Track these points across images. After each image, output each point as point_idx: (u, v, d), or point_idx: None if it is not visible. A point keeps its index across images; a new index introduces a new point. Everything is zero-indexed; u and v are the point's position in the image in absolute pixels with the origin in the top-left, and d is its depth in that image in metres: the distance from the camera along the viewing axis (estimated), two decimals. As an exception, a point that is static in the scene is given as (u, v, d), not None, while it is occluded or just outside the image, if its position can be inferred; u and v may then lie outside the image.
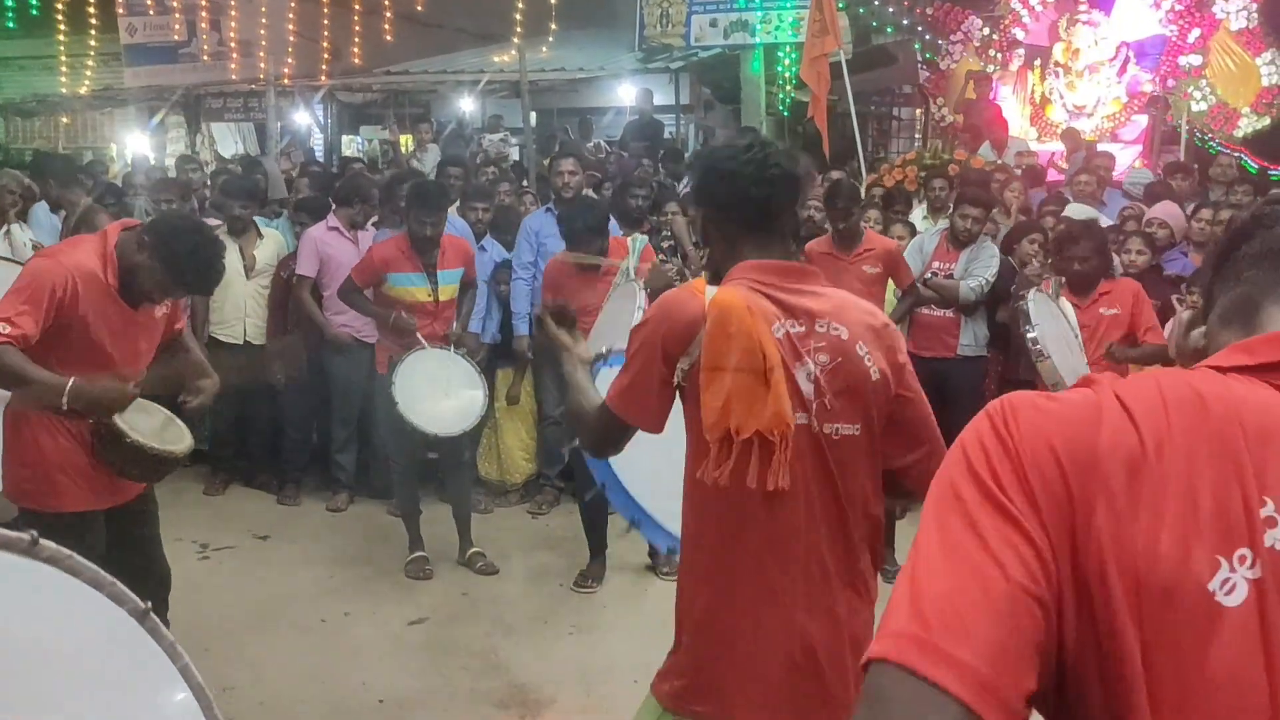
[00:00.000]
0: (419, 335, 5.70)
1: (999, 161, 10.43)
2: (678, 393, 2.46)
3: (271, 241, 7.19)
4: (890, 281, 6.29)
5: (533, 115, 11.65)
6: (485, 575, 5.90)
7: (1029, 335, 5.02)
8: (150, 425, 3.67)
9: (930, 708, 0.94)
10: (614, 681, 4.60)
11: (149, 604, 1.65)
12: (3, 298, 3.50)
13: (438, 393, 5.65)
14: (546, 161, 12.40)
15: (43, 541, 1.56)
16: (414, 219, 5.75)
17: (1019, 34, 13.51)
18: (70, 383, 3.46)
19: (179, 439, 3.73)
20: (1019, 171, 9.62)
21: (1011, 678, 0.96)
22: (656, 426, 2.48)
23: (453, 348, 5.83)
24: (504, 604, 5.56)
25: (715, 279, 2.52)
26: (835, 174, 8.32)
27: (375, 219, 7.09)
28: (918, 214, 8.53)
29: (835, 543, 2.41)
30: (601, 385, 2.73)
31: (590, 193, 7.61)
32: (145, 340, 3.83)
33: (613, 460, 2.87)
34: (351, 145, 16.96)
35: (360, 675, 4.70)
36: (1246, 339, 1.15)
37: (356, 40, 15.93)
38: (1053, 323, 5.20)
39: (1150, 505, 0.99)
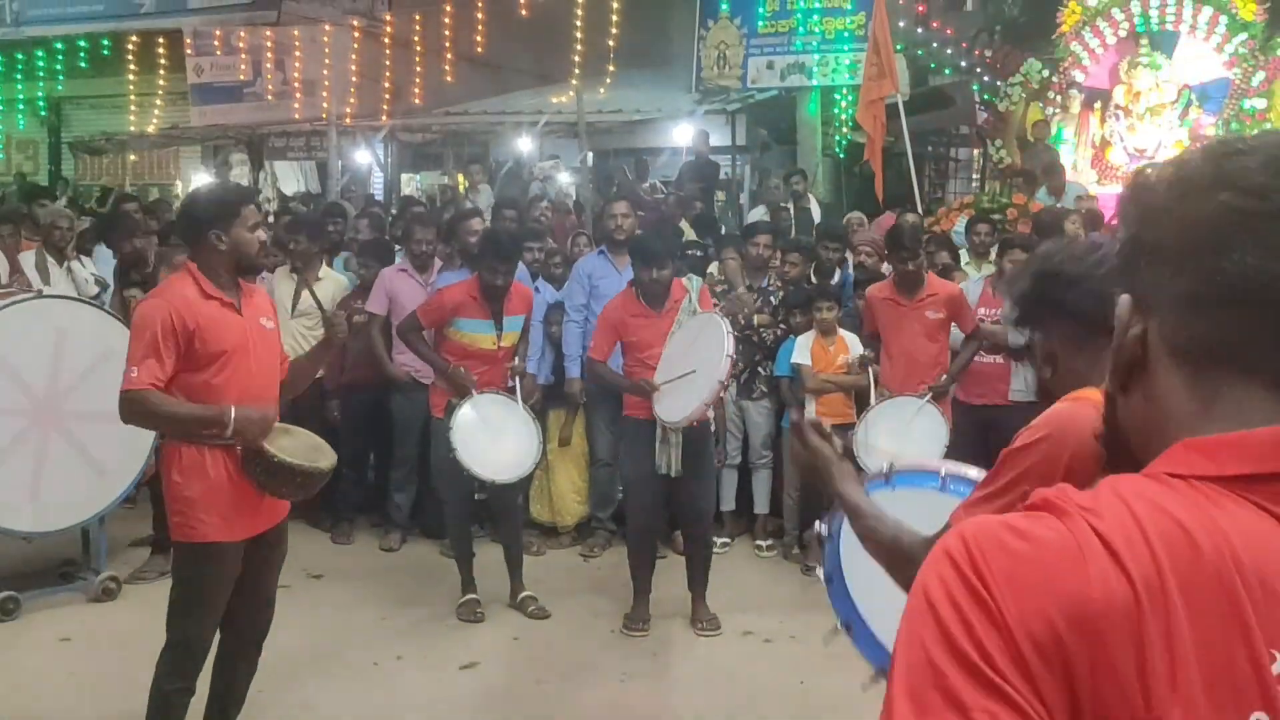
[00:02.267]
0: (472, 390, 5.72)
1: (1058, 205, 10.34)
2: None
3: (330, 283, 7.29)
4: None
5: (589, 155, 11.75)
6: (537, 619, 5.89)
7: None
8: (294, 445, 3.86)
9: None
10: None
11: None
12: (129, 348, 3.76)
13: (494, 438, 5.67)
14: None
15: None
16: (486, 268, 5.77)
17: (1078, 76, 13.41)
18: (233, 411, 3.71)
19: (322, 456, 3.95)
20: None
21: None
22: None
23: (517, 380, 5.85)
24: (555, 649, 5.55)
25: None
26: (910, 216, 8.33)
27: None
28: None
29: None
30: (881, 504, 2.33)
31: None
32: (266, 351, 3.99)
33: (844, 547, 2.59)
34: (411, 184, 17.16)
35: (413, 719, 4.70)
36: (1209, 434, 0.95)
37: (418, 81, 16.15)
38: None
39: (1155, 669, 0.86)
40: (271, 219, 9.89)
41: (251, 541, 3.96)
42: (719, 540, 6.96)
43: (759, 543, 7.07)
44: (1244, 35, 12.59)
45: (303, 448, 3.98)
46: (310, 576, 6.53)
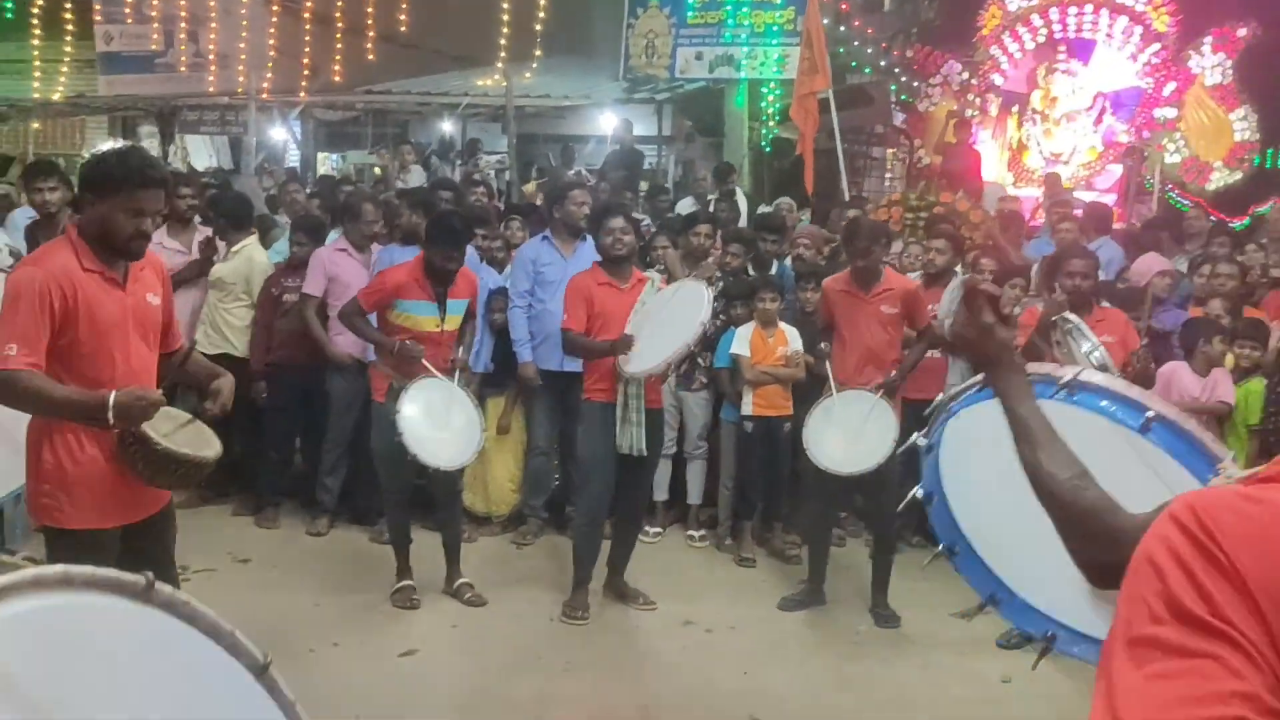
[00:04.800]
0: (425, 363, 5.63)
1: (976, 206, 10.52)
2: None
3: (243, 258, 7.12)
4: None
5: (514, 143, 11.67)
6: (473, 607, 5.82)
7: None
8: (176, 431, 3.59)
9: None
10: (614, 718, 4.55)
11: (269, 658, 1.58)
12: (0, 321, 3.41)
13: (438, 424, 5.58)
14: (529, 187, 12.41)
15: (159, 585, 1.47)
16: (436, 252, 5.67)
17: (997, 80, 13.68)
18: (113, 396, 3.36)
19: (208, 445, 3.65)
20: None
21: None
22: None
23: (456, 374, 5.77)
24: (495, 637, 5.49)
25: None
26: (853, 212, 8.40)
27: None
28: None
29: None
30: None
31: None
32: (150, 328, 3.71)
33: (962, 518, 2.35)
34: (326, 163, 16.85)
35: (354, 708, 4.60)
36: None
37: (338, 58, 15.85)
38: None
39: None
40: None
41: (134, 526, 3.68)
42: (651, 529, 6.96)
43: (691, 532, 7.07)
44: (1157, 45, 12.96)
45: (187, 435, 3.65)
46: (237, 560, 6.37)
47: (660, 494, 7.14)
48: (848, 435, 5.74)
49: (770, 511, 6.96)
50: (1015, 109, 13.67)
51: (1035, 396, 1.90)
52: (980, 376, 2.25)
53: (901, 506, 2.80)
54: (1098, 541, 1.59)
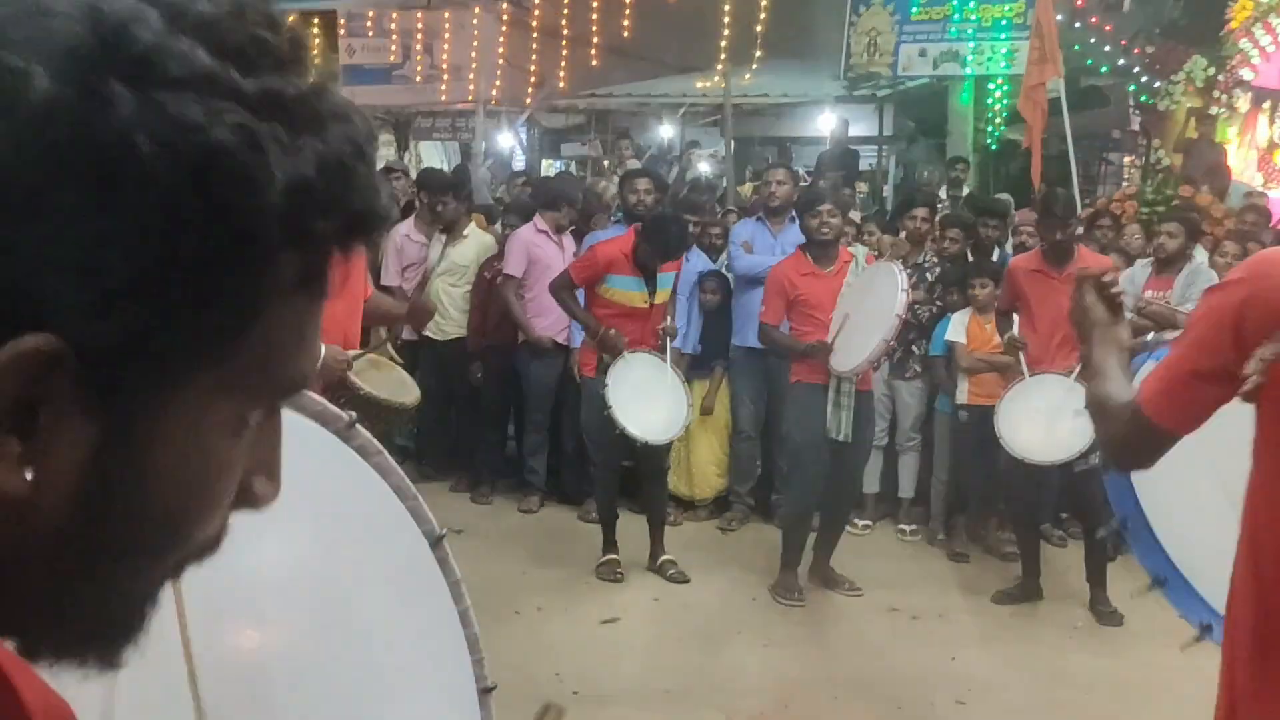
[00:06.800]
0: (623, 350, 5.67)
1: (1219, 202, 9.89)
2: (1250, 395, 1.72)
3: (473, 243, 7.32)
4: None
5: (732, 143, 11.65)
6: (677, 583, 5.81)
7: None
8: (381, 379, 3.77)
9: None
10: (813, 695, 4.47)
11: (445, 531, 1.58)
12: None
13: (646, 399, 5.61)
14: (745, 188, 12.39)
15: (359, 428, 1.48)
16: (645, 253, 5.68)
17: (1247, 74, 12.83)
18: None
19: (408, 392, 3.81)
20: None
21: None
22: (1189, 426, 1.84)
23: (668, 347, 5.79)
24: (696, 612, 5.47)
25: None
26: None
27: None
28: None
29: None
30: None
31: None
32: (350, 290, 3.87)
33: (1141, 491, 2.29)
34: (551, 169, 17.30)
35: (554, 667, 4.66)
36: None
37: (563, 66, 16.25)
38: None
39: None
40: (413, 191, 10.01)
41: None
42: (860, 523, 6.80)
43: (902, 526, 6.87)
44: None
45: (389, 382, 3.85)
46: (451, 531, 6.51)
47: (871, 486, 6.96)
48: (1045, 422, 5.43)
49: (986, 506, 6.68)
50: (1266, 105, 12.78)
51: (1128, 375, 2.00)
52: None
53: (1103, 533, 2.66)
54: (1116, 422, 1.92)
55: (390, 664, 1.46)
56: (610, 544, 5.94)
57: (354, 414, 1.49)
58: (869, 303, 5.38)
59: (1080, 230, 7.45)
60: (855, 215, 8.87)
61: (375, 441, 1.51)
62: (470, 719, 1.53)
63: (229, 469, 0.59)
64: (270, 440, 0.65)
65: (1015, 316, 5.84)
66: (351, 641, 1.41)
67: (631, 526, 6.12)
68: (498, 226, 7.91)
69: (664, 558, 5.95)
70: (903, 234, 7.27)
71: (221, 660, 1.23)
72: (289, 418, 1.34)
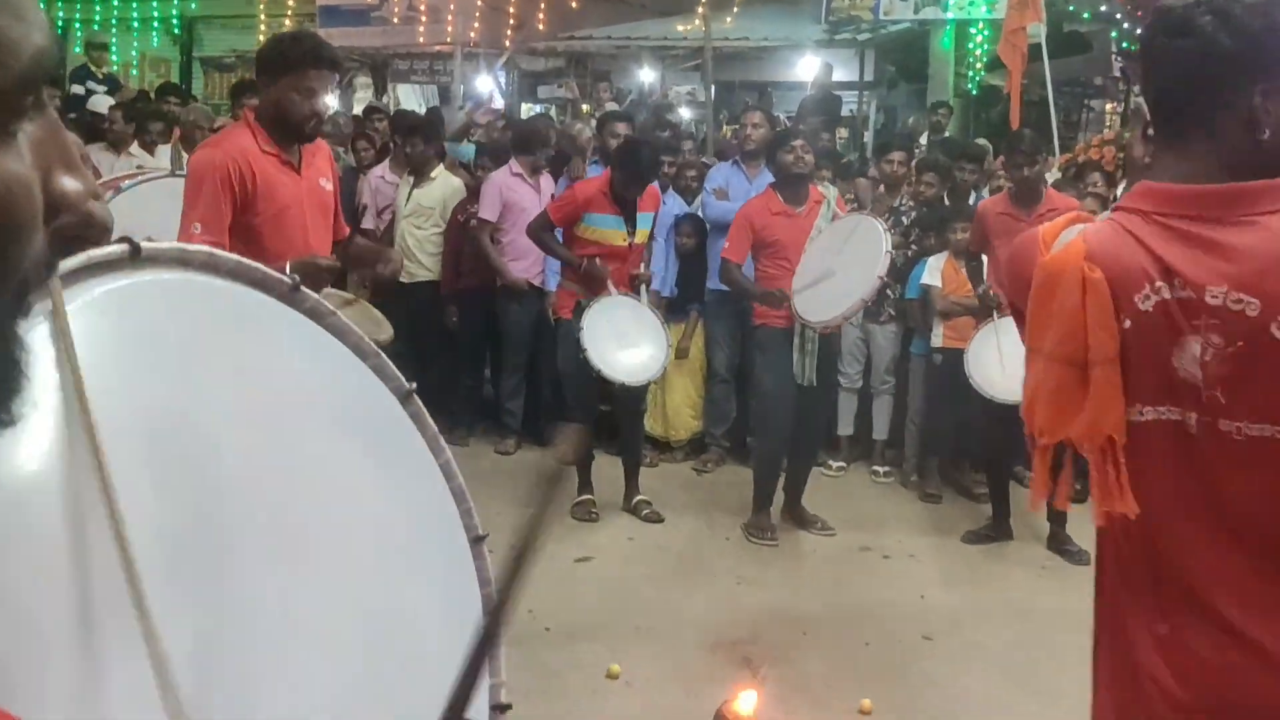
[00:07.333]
0: (609, 282, 5.66)
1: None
2: None
3: (440, 185, 7.27)
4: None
5: (712, 88, 11.56)
6: (651, 523, 5.86)
7: None
8: (355, 315, 3.69)
9: None
10: (784, 631, 4.53)
11: (414, 384, 1.54)
12: (185, 200, 3.57)
13: (623, 340, 5.62)
14: (725, 131, 12.32)
15: (305, 290, 1.39)
16: (620, 181, 5.69)
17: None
18: (289, 264, 3.41)
19: (379, 327, 3.76)
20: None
21: None
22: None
23: (643, 290, 5.80)
24: (669, 551, 5.52)
25: None
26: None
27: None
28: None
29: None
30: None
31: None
32: (321, 212, 3.81)
33: None
34: (530, 112, 17.15)
35: (528, 604, 4.69)
36: None
37: (542, 8, 16.06)
38: None
39: None
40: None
41: None
42: (834, 464, 6.86)
43: (875, 468, 6.92)
44: None
45: (363, 319, 3.71)
46: (426, 472, 6.57)
47: (845, 428, 7.02)
48: (1013, 362, 5.46)
49: (959, 447, 6.74)
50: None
51: None
52: None
53: None
54: None
55: (376, 525, 1.41)
56: (585, 484, 5.97)
57: (296, 276, 1.39)
58: (848, 256, 5.33)
59: (1060, 175, 7.48)
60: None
61: (326, 303, 1.43)
62: (464, 568, 1.51)
63: (16, 180, 0.61)
64: (53, 139, 0.66)
65: (984, 259, 5.85)
66: (332, 511, 1.34)
67: (607, 468, 6.15)
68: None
69: (638, 498, 6.00)
70: (879, 179, 7.26)
71: (195, 540, 1.14)
72: (226, 288, 1.30)
